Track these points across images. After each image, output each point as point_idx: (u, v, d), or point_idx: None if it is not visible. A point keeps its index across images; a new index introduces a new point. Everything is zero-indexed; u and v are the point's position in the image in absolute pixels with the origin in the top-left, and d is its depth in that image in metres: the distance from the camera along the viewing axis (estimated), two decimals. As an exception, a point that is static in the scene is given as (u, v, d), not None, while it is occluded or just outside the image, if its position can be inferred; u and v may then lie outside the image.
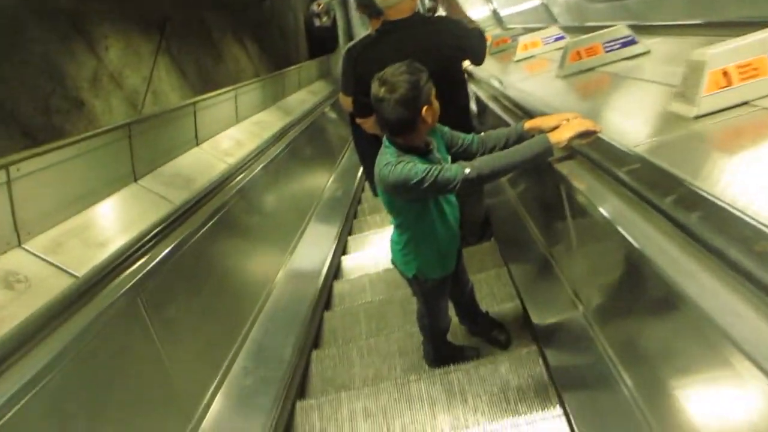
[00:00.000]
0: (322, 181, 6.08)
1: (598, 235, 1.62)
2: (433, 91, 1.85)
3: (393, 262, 2.40)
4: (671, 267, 1.10)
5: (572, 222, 1.82)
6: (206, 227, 2.92)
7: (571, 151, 1.80)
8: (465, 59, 2.76)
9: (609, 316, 1.68)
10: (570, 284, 2.02)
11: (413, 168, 1.77)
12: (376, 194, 2.67)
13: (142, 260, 2.28)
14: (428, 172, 1.75)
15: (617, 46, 2.70)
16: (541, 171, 2.05)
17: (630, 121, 1.82)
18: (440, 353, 2.83)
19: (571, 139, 1.71)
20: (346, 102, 2.92)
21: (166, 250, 2.45)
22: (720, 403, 1.05)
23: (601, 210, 1.47)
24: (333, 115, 7.64)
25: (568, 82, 2.69)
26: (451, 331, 2.85)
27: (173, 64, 4.90)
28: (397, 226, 2.21)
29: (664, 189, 1.24)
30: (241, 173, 3.82)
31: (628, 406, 1.43)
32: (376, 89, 1.80)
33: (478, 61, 2.75)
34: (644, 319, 1.40)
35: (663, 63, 2.45)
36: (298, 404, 2.77)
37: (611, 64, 2.66)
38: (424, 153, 1.91)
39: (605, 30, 2.73)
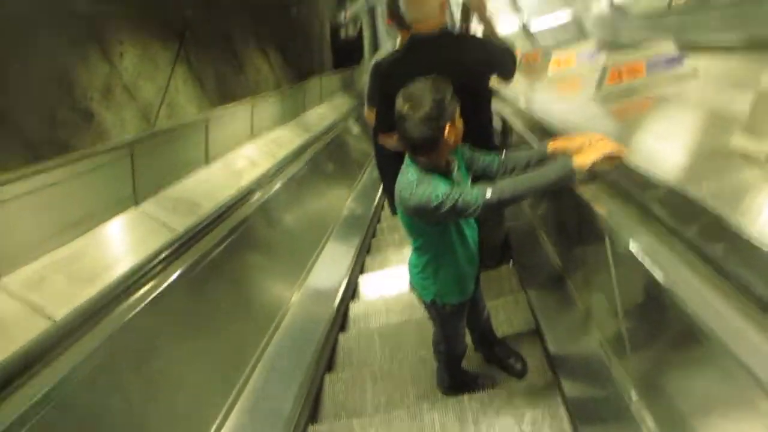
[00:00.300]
0: (341, 200, 5.94)
1: (625, 269, 1.57)
2: (458, 111, 1.81)
3: (411, 286, 2.36)
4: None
5: (603, 255, 1.74)
6: (210, 257, 2.73)
7: (594, 175, 1.77)
8: (492, 76, 2.60)
9: (629, 349, 1.63)
10: (590, 314, 2.00)
11: (434, 191, 1.75)
12: (394, 213, 2.59)
13: (133, 298, 2.09)
14: (448, 196, 1.73)
15: (662, 65, 2.49)
16: (563, 194, 2.00)
17: (687, 159, 1.64)
18: (455, 380, 2.81)
19: (596, 162, 1.68)
20: (371, 116, 2.84)
21: (162, 286, 2.27)
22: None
23: (635, 249, 1.38)
24: (355, 129, 7.50)
25: (606, 105, 2.49)
26: (467, 358, 2.80)
27: (191, 74, 4.75)
28: (417, 249, 2.18)
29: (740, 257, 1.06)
30: (254, 196, 3.62)
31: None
32: (400, 106, 1.77)
33: (506, 78, 2.59)
34: (667, 356, 1.35)
35: (714, 86, 2.29)
36: (311, 428, 2.76)
37: (655, 86, 2.44)
38: (445, 172, 1.88)
39: (649, 48, 2.52)
